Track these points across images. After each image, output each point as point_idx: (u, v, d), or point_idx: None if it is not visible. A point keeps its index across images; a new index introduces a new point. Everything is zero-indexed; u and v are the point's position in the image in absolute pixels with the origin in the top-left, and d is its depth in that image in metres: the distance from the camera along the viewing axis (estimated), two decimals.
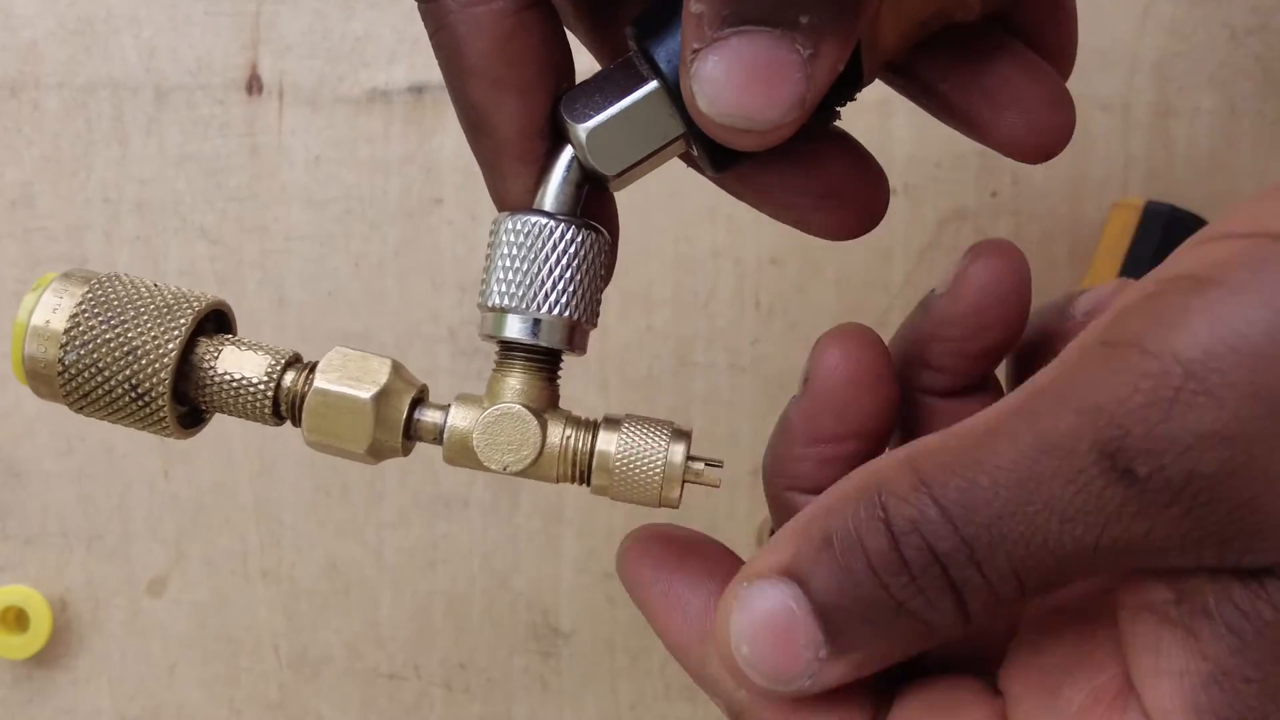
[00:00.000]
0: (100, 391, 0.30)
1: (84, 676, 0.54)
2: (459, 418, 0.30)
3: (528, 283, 0.29)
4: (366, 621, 0.54)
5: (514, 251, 0.29)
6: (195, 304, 0.30)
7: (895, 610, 0.24)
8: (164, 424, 0.30)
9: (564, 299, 0.29)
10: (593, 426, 0.30)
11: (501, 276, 0.30)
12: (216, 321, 0.31)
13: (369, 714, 0.55)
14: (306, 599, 0.54)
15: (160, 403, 0.29)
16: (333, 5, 0.54)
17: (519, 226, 0.29)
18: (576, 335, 0.30)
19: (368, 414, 0.29)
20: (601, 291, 0.31)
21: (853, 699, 0.28)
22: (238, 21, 0.54)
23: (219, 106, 0.54)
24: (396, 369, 0.30)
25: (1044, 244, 0.55)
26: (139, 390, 0.29)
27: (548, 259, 0.29)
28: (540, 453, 0.30)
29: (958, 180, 0.55)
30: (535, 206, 0.30)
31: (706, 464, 0.30)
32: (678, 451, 0.29)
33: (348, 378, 0.30)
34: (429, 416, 0.30)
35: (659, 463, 0.29)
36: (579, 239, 0.29)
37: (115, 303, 0.29)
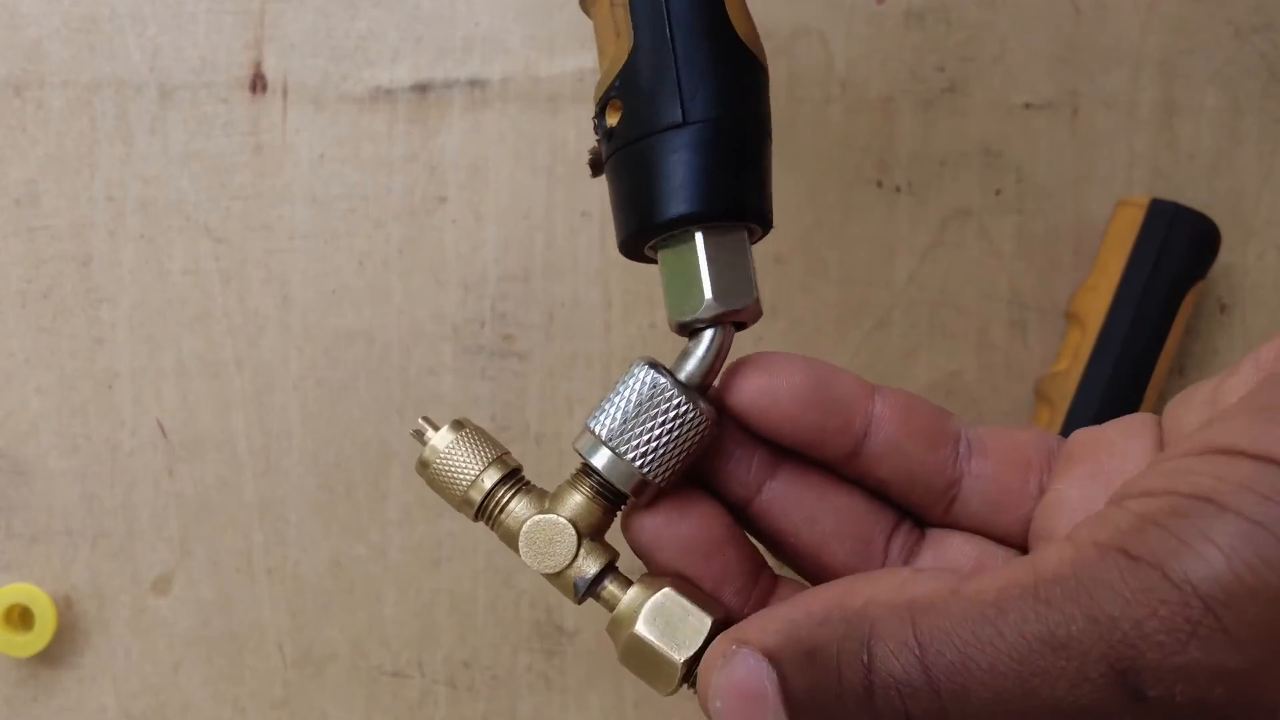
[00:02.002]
0: None
1: (88, 675, 0.54)
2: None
3: (634, 431, 0.31)
4: (371, 619, 0.54)
5: (637, 400, 0.31)
6: None
7: None
8: None
9: (653, 460, 0.31)
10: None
11: (614, 414, 0.32)
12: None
13: (373, 712, 0.55)
14: (311, 597, 0.54)
15: None
16: (337, 4, 0.54)
17: (652, 382, 0.31)
18: (645, 491, 0.32)
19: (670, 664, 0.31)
20: (690, 461, 0.32)
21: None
22: (242, 20, 0.54)
23: (223, 105, 0.54)
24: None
25: (1048, 242, 0.55)
26: None
27: (661, 422, 0.31)
28: (569, 565, 0.32)
29: (962, 178, 0.55)
30: (672, 369, 0.32)
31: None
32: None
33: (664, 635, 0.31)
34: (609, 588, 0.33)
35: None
36: (692, 417, 0.31)
37: None
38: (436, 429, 0.33)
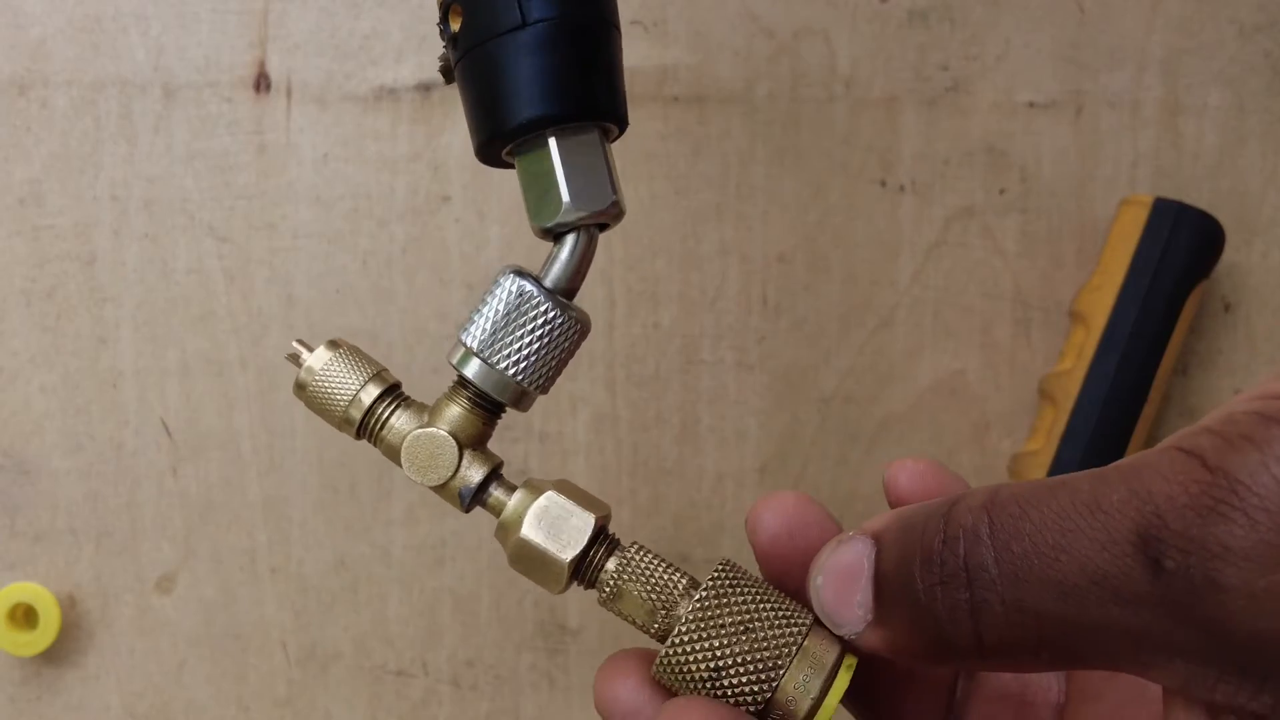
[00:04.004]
0: None
1: (92, 673, 0.54)
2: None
3: (504, 340, 0.31)
4: (374, 618, 0.55)
5: (503, 309, 0.31)
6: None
7: (922, 605, 0.26)
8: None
9: (526, 367, 0.31)
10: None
11: (484, 324, 0.32)
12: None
13: (377, 711, 0.55)
14: (315, 596, 0.54)
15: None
16: (340, 3, 0.54)
17: (516, 290, 0.31)
18: (524, 400, 0.32)
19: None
20: (562, 369, 0.32)
21: None
22: (245, 19, 0.54)
23: (227, 104, 0.54)
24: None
25: (1052, 241, 0.55)
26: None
27: (530, 330, 0.31)
28: (452, 477, 0.32)
29: (966, 177, 0.55)
30: (538, 275, 0.32)
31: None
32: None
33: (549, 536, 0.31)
34: (494, 493, 0.33)
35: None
36: (561, 323, 0.31)
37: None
38: (311, 350, 0.33)
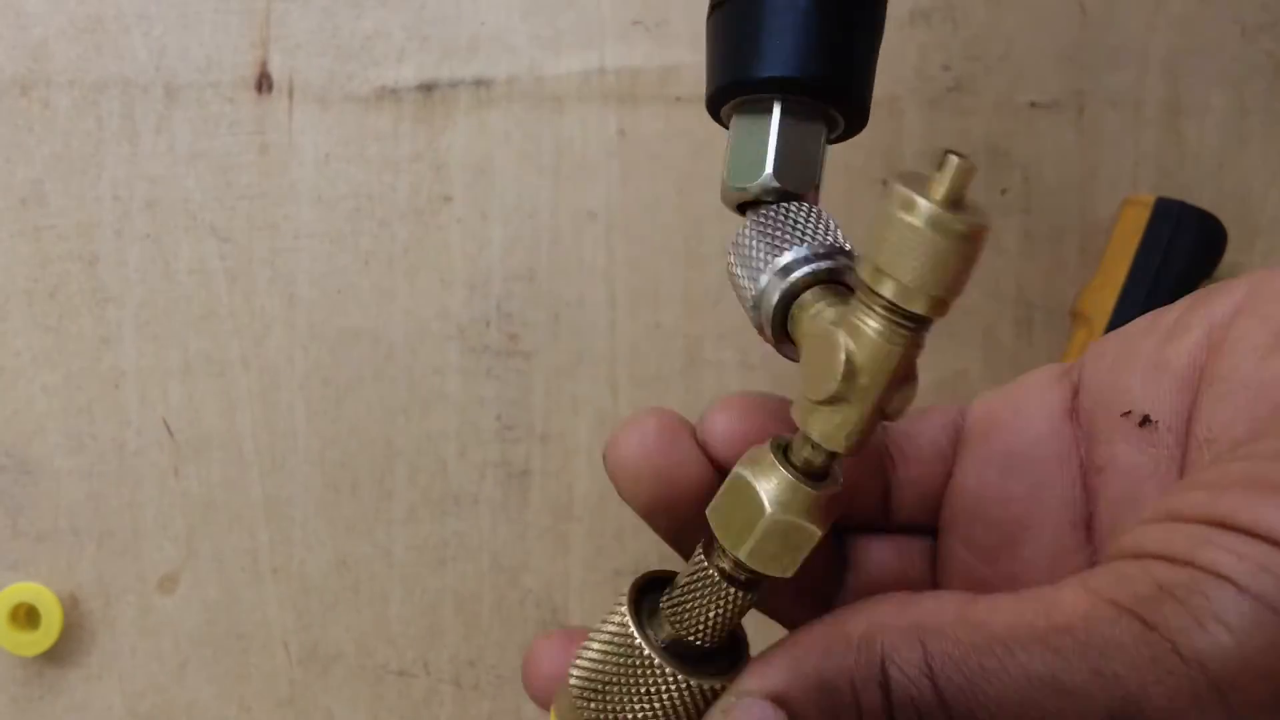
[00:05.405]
0: None
1: (95, 673, 0.54)
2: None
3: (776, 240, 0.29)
4: (376, 618, 0.55)
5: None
6: (629, 633, 0.28)
7: None
8: (721, 689, 0.28)
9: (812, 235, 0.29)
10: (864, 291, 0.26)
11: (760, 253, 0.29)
12: (650, 586, 0.29)
13: (379, 711, 0.55)
14: (316, 596, 0.54)
15: (699, 689, 0.27)
16: (342, 3, 0.54)
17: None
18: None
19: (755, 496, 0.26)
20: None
21: None
22: (247, 19, 0.54)
23: (229, 104, 0.54)
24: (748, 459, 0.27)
25: (1054, 241, 0.55)
26: (687, 712, 0.27)
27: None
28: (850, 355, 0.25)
29: None
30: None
31: (939, 169, 0.24)
32: (920, 207, 0.24)
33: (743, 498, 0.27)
34: (800, 449, 0.26)
35: (925, 237, 0.25)
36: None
37: (594, 700, 0.28)
38: None
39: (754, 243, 0.30)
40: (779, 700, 0.25)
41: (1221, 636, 0.22)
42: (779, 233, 0.30)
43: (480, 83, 0.54)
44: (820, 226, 0.30)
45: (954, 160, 0.23)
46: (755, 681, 0.26)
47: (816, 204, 0.31)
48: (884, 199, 0.24)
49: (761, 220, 0.30)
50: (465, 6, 0.54)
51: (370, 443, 0.54)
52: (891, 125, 0.54)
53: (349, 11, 0.54)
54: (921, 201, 0.23)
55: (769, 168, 0.30)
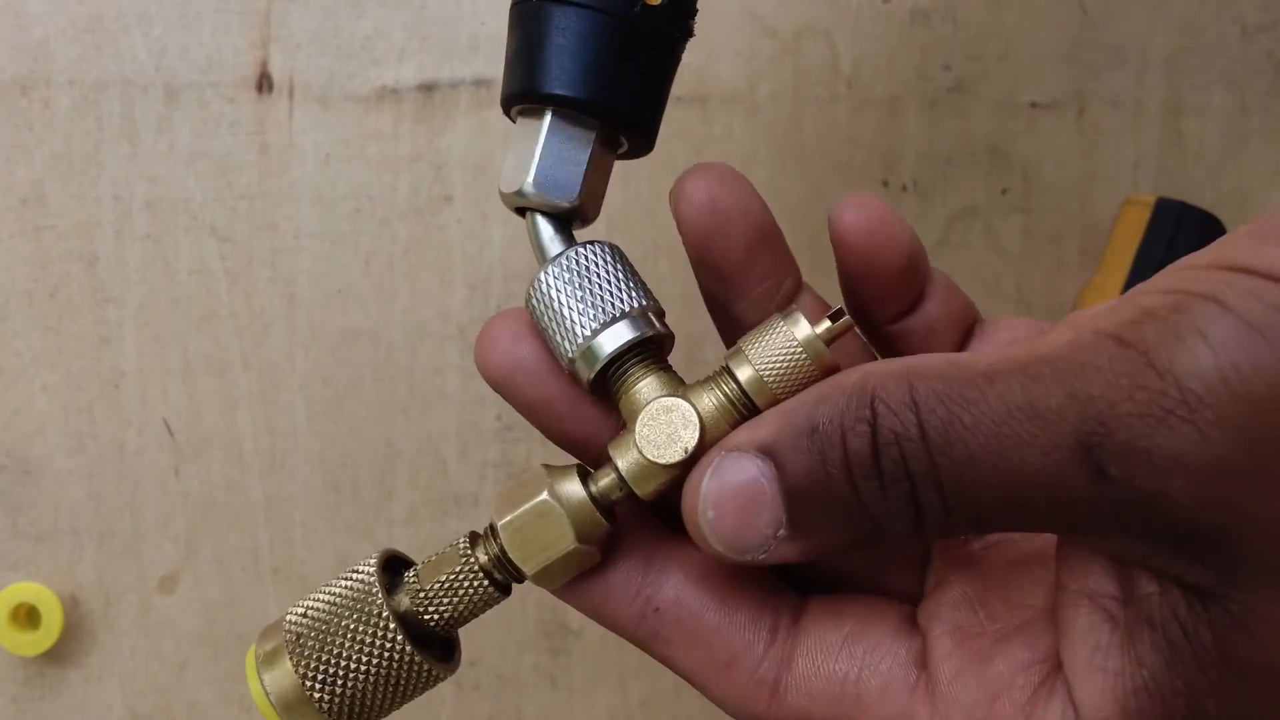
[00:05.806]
0: (370, 704, 0.30)
1: (95, 673, 0.54)
2: (623, 460, 0.29)
3: (594, 301, 0.30)
4: None
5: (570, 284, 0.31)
6: (372, 588, 0.30)
7: (858, 509, 0.25)
8: (433, 676, 0.30)
9: (630, 293, 0.31)
10: (722, 371, 0.30)
11: (575, 316, 0.30)
12: (391, 564, 0.32)
13: None
14: None
15: (416, 664, 0.30)
16: (342, 3, 0.54)
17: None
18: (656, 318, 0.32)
19: (555, 510, 0.29)
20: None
21: (766, 600, 0.29)
22: (248, 19, 0.54)
23: (229, 105, 0.54)
24: (547, 471, 0.31)
25: (1055, 241, 0.55)
26: (391, 680, 0.30)
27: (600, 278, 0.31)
28: (703, 430, 0.28)
29: (968, 177, 0.55)
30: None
31: (831, 319, 0.29)
32: (801, 327, 0.28)
33: (516, 502, 0.30)
34: (602, 479, 0.30)
35: (795, 349, 0.28)
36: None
37: (313, 638, 0.29)
38: None
39: (563, 298, 0.30)
40: (766, 451, 0.26)
41: (1199, 349, 0.21)
42: (589, 296, 0.30)
43: (480, 83, 0.54)
44: (623, 284, 0.31)
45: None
46: (744, 434, 0.26)
47: (597, 216, 0.33)
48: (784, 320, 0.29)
49: (567, 272, 0.31)
50: (465, 6, 0.54)
51: (370, 443, 0.54)
52: (892, 125, 0.54)
53: (349, 11, 0.54)
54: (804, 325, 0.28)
55: (530, 175, 0.31)
